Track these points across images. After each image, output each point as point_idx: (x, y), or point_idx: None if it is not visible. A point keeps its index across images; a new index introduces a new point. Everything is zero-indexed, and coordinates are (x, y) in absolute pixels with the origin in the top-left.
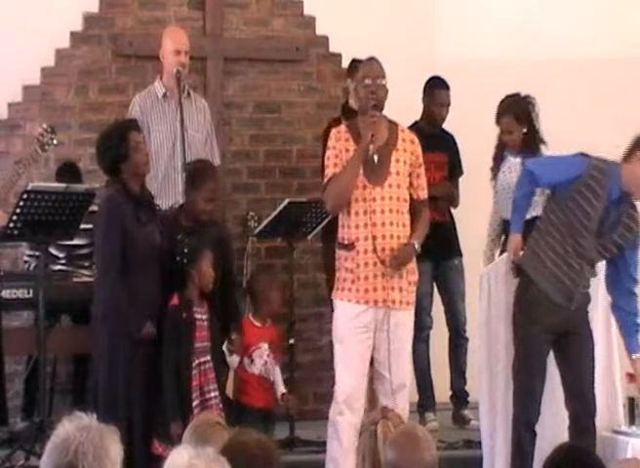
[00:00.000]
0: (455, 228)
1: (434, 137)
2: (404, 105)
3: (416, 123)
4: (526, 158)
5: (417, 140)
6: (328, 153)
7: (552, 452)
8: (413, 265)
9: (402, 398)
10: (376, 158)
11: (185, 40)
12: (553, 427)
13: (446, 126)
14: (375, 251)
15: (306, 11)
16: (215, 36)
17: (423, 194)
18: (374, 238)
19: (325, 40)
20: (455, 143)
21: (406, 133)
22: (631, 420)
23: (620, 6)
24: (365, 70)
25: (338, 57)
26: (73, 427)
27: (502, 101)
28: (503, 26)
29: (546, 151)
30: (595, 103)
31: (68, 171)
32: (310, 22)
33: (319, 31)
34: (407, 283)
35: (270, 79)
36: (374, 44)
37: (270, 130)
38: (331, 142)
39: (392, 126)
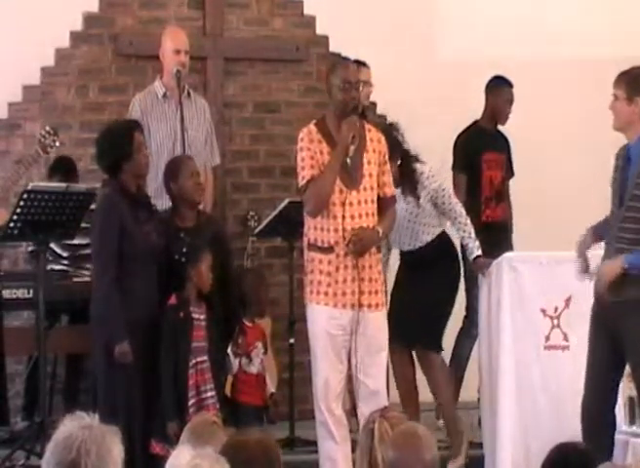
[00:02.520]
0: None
1: (495, 137)
2: (404, 105)
3: (476, 122)
4: (406, 190)
5: (383, 139)
6: (302, 154)
7: (549, 452)
8: (380, 267)
9: (378, 402)
10: (349, 161)
11: (185, 40)
12: (553, 426)
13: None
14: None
15: (306, 11)
16: (215, 36)
17: (391, 191)
18: (351, 242)
19: (325, 40)
20: (509, 145)
21: (373, 132)
22: (631, 420)
23: (620, 6)
24: (343, 73)
25: (338, 57)
26: (76, 426)
27: None
28: (504, 26)
29: (423, 168)
30: (595, 103)
31: (63, 166)
32: (310, 22)
33: (319, 31)
34: (379, 284)
35: (270, 79)
36: (374, 44)
37: (270, 130)
38: (304, 143)
39: (360, 126)
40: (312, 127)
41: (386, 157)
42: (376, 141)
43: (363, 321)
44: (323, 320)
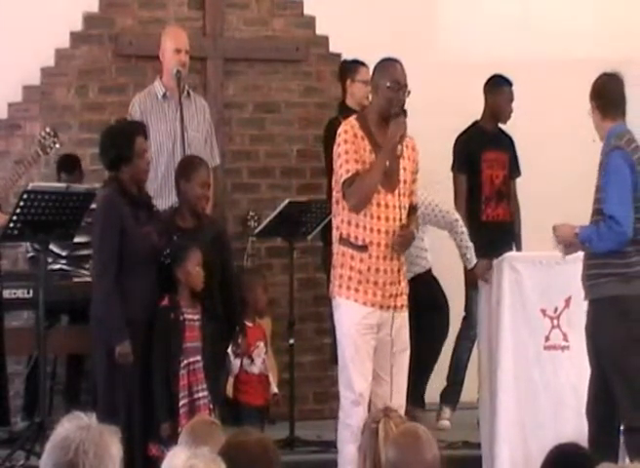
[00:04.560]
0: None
1: (496, 136)
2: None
3: (476, 122)
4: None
5: (417, 147)
6: (345, 147)
7: (549, 453)
8: (405, 269)
9: (397, 401)
10: (387, 163)
11: (185, 39)
12: (553, 426)
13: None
14: (389, 258)
15: (306, 11)
16: (215, 36)
17: (415, 199)
18: (392, 247)
19: (325, 40)
20: (513, 144)
21: (407, 139)
22: None
23: (620, 6)
24: (396, 74)
25: (338, 57)
26: (73, 426)
27: None
28: (503, 26)
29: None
30: None
31: (68, 163)
32: (310, 22)
33: (319, 31)
34: (405, 287)
35: (270, 79)
36: (374, 44)
37: (270, 130)
38: (348, 136)
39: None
40: (354, 122)
41: (418, 166)
42: (410, 149)
43: (389, 321)
44: (353, 316)
